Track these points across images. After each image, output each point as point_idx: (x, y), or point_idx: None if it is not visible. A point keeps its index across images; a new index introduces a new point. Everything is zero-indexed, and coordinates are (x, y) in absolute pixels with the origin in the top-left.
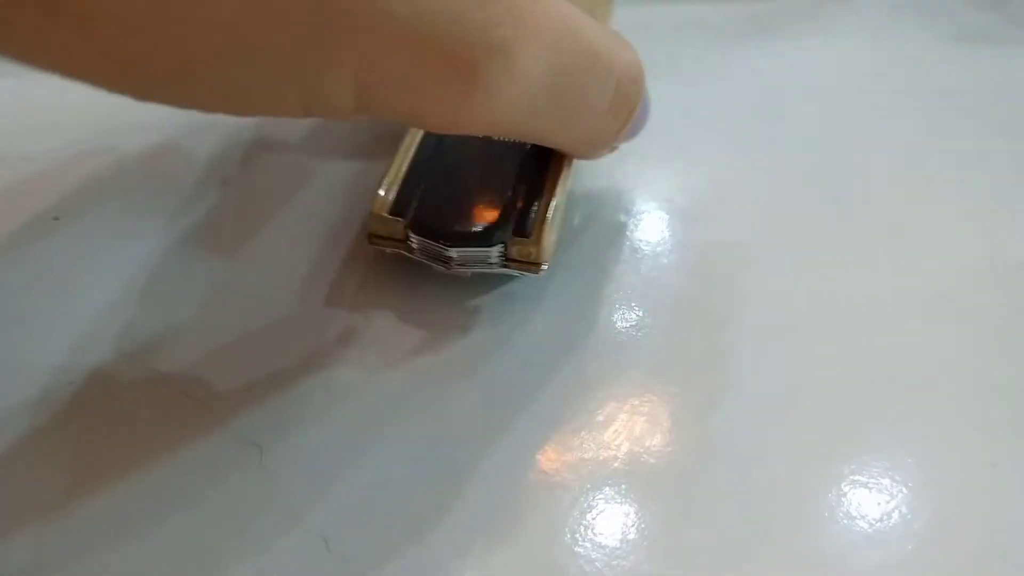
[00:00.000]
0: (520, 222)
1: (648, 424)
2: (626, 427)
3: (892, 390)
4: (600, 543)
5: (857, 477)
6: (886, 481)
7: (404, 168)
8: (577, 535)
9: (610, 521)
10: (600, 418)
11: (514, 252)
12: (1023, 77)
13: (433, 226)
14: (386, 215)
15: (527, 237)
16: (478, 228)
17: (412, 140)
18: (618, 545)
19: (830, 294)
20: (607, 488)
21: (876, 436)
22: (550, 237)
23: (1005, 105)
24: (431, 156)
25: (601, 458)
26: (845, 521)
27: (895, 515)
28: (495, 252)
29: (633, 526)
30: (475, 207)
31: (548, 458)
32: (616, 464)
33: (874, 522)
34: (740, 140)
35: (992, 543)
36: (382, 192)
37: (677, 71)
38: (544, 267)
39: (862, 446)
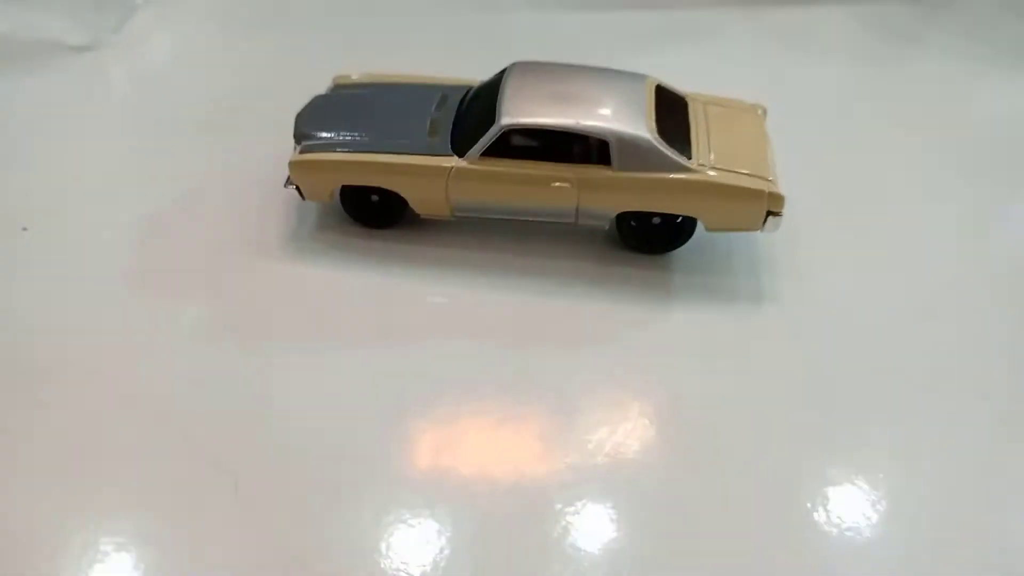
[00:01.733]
0: (317, 146)
1: (636, 433)
2: (614, 436)
3: (884, 394)
4: (586, 550)
5: (848, 484)
6: (877, 487)
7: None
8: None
9: (595, 530)
10: (589, 426)
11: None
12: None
13: (310, 109)
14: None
15: (298, 152)
16: (307, 127)
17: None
18: (600, 553)
19: (823, 297)
20: (593, 498)
21: (868, 440)
22: (307, 172)
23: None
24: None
25: (588, 467)
26: (835, 531)
27: (886, 521)
28: (295, 148)
29: (620, 536)
30: (339, 122)
31: (534, 466)
32: (602, 473)
33: (865, 530)
34: None
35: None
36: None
37: None
38: (290, 184)
39: (853, 452)
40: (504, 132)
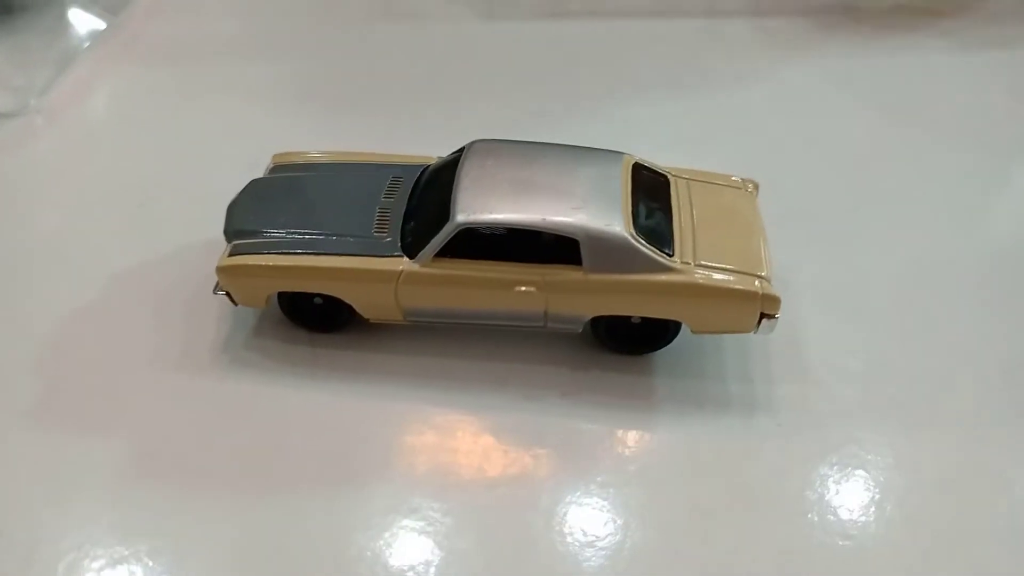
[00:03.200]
0: (249, 247)
1: (634, 431)
2: (611, 436)
3: (880, 392)
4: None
5: (841, 480)
6: (873, 484)
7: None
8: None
9: (589, 529)
10: (585, 429)
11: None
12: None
13: (244, 198)
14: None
15: (228, 254)
16: (239, 222)
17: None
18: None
19: (822, 404)
20: (588, 497)
21: (863, 436)
22: (237, 278)
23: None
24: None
25: (582, 469)
26: (829, 527)
27: (883, 516)
28: (227, 247)
29: (618, 533)
30: (275, 215)
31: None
32: (602, 475)
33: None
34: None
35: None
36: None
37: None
38: (218, 290)
39: (847, 449)
40: (460, 231)
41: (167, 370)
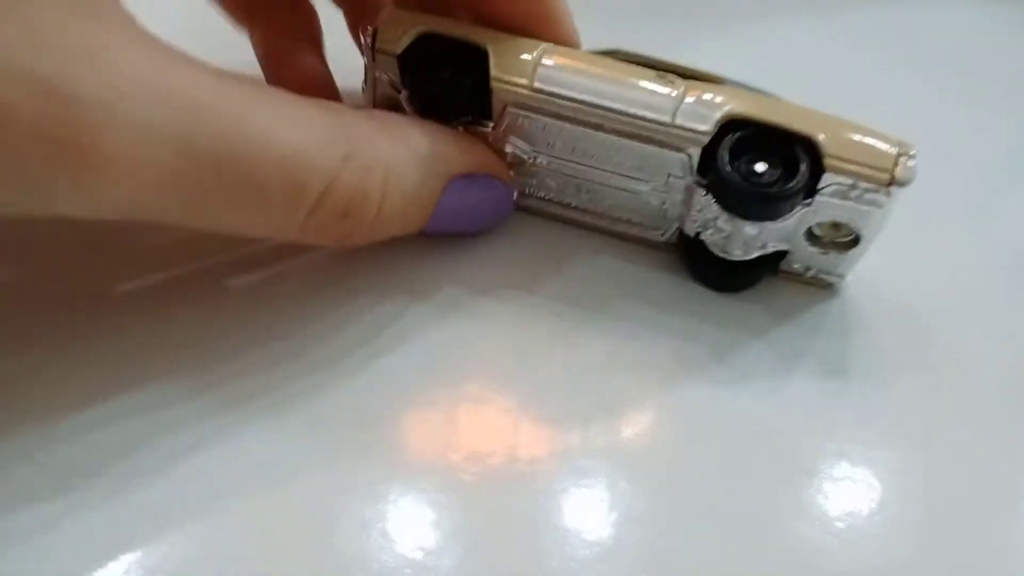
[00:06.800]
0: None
1: (634, 421)
2: (612, 424)
3: (880, 385)
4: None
5: (837, 480)
6: (873, 480)
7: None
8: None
9: (589, 518)
10: (586, 412)
11: None
12: None
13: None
14: None
15: None
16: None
17: None
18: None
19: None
20: (586, 484)
21: (866, 433)
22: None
23: None
24: None
25: (583, 452)
26: (825, 521)
27: (880, 514)
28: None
29: (615, 523)
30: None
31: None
32: (600, 462)
33: (858, 521)
34: None
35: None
36: None
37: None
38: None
39: (849, 447)
40: (607, 53)
41: None
